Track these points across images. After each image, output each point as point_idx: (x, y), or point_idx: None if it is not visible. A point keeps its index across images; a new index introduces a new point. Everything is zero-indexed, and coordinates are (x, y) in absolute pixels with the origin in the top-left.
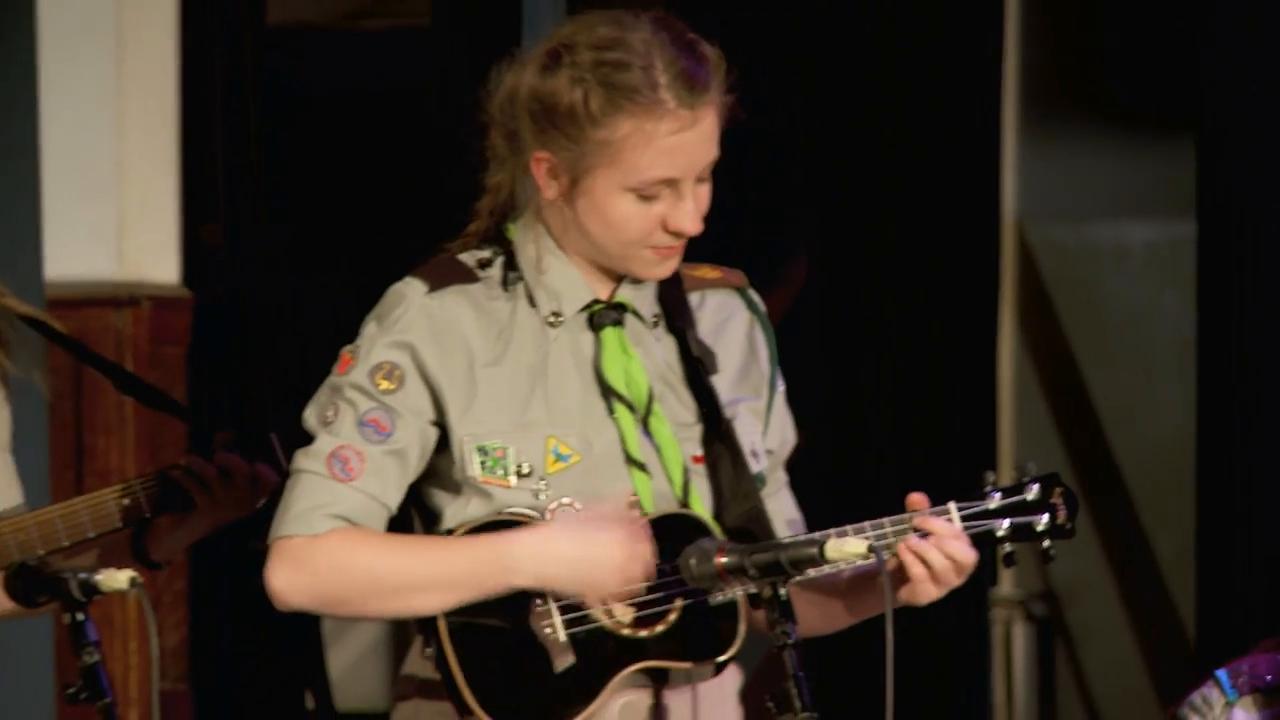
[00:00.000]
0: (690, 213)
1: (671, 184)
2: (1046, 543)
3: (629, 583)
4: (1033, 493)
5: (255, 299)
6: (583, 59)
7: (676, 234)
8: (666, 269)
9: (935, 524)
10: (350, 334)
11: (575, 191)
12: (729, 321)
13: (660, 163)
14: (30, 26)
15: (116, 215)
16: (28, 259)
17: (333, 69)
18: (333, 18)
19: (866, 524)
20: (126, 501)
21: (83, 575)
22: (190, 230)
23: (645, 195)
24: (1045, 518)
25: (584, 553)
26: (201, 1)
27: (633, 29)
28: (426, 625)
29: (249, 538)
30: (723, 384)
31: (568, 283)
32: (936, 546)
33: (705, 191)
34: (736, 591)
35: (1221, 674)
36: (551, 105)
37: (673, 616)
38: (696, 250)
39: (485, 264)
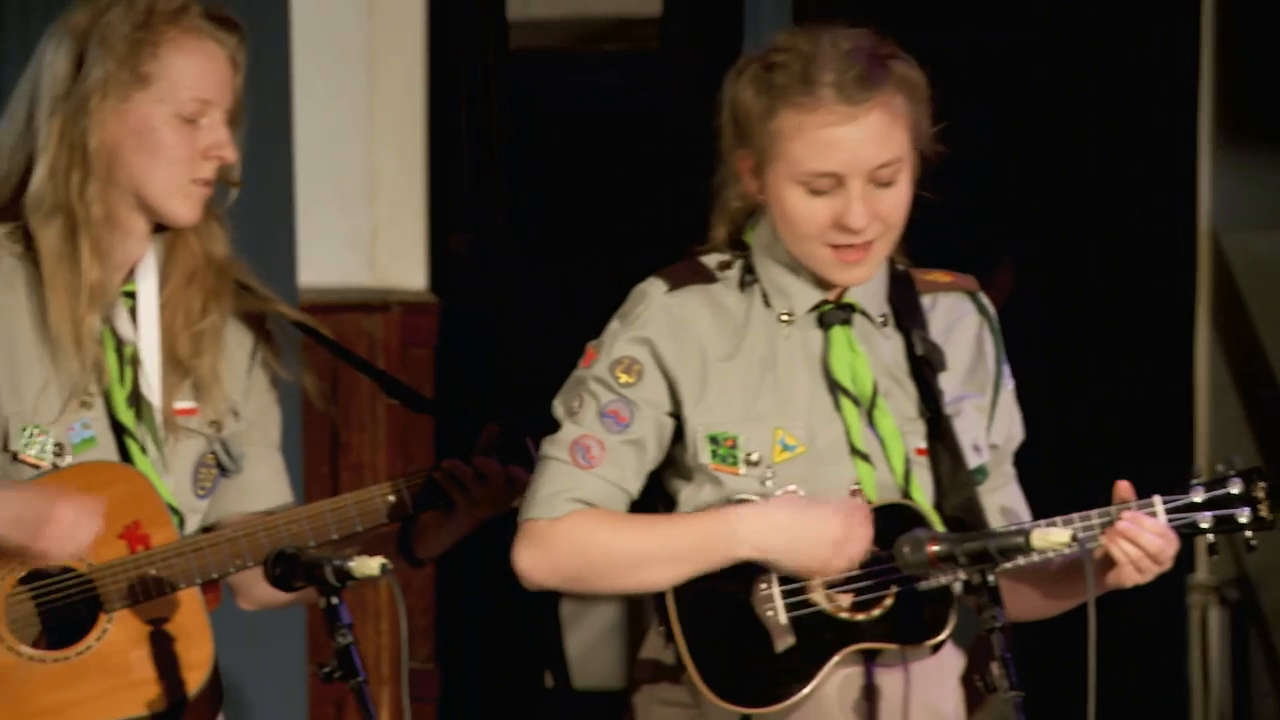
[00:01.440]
0: (857, 210)
1: (838, 180)
2: (1249, 534)
3: (845, 559)
4: (1236, 486)
5: (498, 303)
6: (764, 62)
7: (846, 229)
8: (850, 275)
9: (1139, 518)
10: (581, 336)
11: (763, 188)
12: (959, 323)
13: (819, 155)
14: (286, 48)
15: (369, 225)
16: (283, 267)
17: (570, 88)
18: (570, 41)
19: (1075, 516)
20: (392, 499)
21: (337, 562)
22: (437, 239)
23: (814, 189)
24: (1248, 510)
25: (803, 526)
26: (448, 25)
27: (816, 37)
28: (659, 609)
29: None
30: (949, 381)
31: (799, 284)
32: (1137, 540)
33: (890, 196)
34: (947, 579)
35: None
36: (739, 107)
37: (889, 601)
38: (917, 256)
39: (725, 265)
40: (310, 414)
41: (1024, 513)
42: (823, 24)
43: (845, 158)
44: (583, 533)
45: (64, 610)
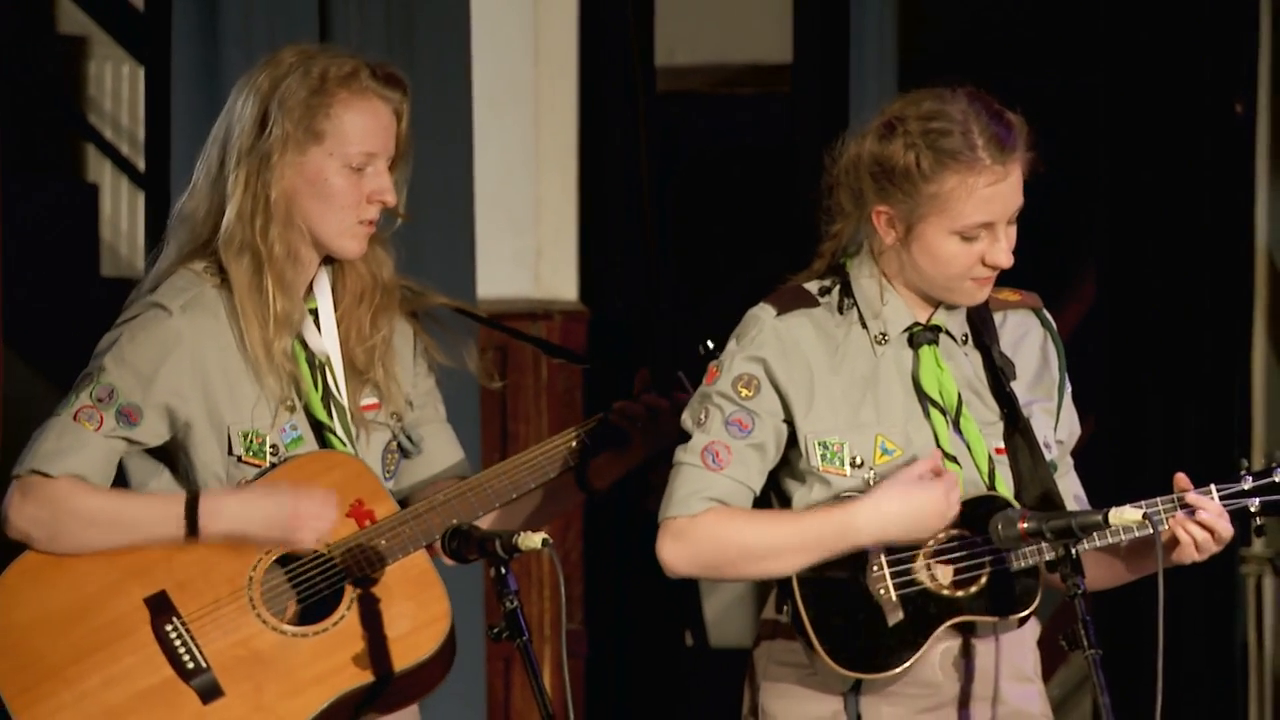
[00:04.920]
0: (1005, 250)
1: (988, 227)
2: None
3: (945, 518)
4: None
5: (641, 315)
6: (913, 128)
7: (993, 267)
8: (982, 296)
9: (1202, 502)
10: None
11: (910, 237)
12: (1026, 337)
13: (980, 210)
14: (467, 94)
15: (535, 245)
16: (464, 280)
17: (709, 127)
18: (710, 85)
19: (1143, 501)
20: (574, 444)
21: (505, 536)
22: (587, 258)
23: (967, 237)
24: None
25: (912, 507)
26: (604, 72)
27: (951, 102)
28: (783, 590)
29: (640, 500)
30: (1020, 388)
31: (894, 309)
32: (1201, 522)
33: (1013, 231)
34: (1034, 558)
35: None
36: (890, 167)
37: (984, 579)
38: (1007, 274)
39: (825, 291)
40: (485, 410)
41: (1084, 498)
42: (946, 86)
43: (999, 209)
44: (719, 527)
45: (316, 588)
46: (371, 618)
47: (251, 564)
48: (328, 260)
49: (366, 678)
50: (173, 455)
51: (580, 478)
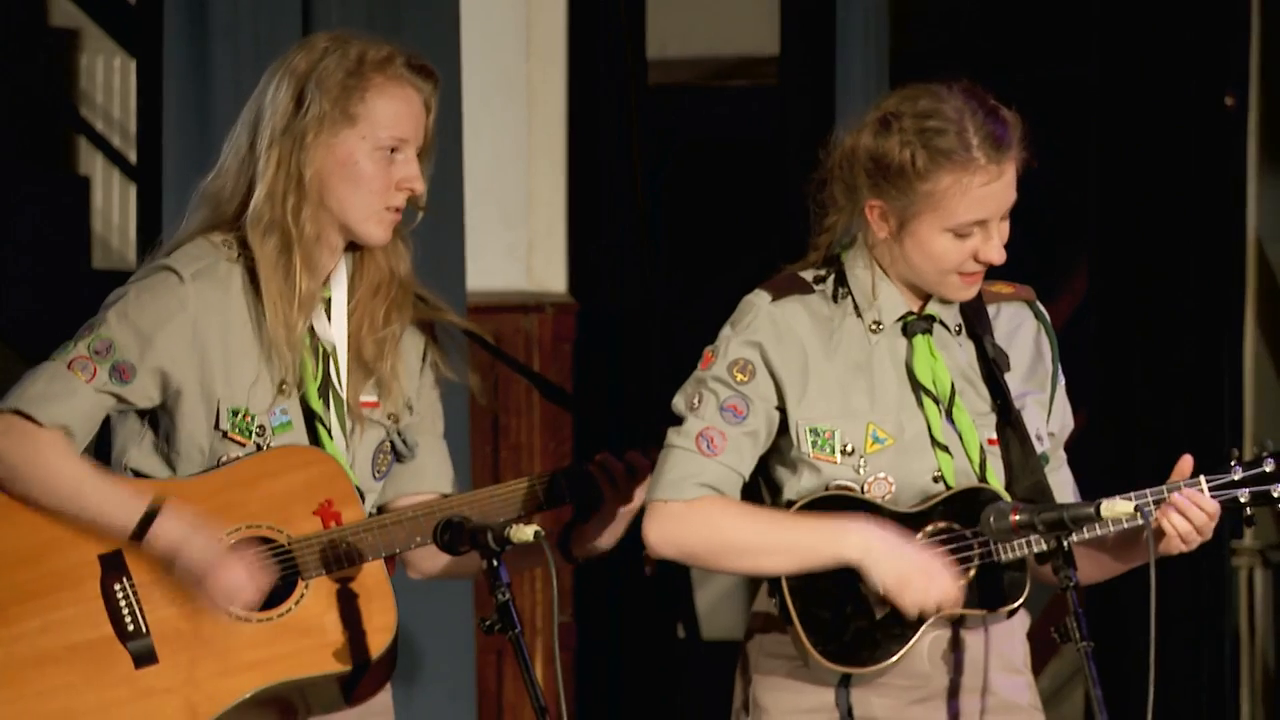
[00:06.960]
0: (997, 246)
1: (981, 224)
2: None
3: (926, 590)
4: (1270, 466)
5: (632, 307)
6: (908, 125)
7: (985, 264)
8: (971, 292)
9: (1186, 493)
10: (699, 335)
11: (903, 233)
12: (1020, 329)
13: (974, 208)
14: (456, 87)
15: (526, 238)
16: (454, 274)
17: (699, 120)
18: (700, 78)
19: (1133, 494)
20: (549, 486)
21: (497, 528)
22: (577, 251)
23: (960, 234)
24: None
25: (905, 547)
26: (595, 65)
27: (947, 99)
28: (772, 582)
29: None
30: (1013, 380)
31: (888, 299)
32: (1187, 514)
33: (1005, 227)
34: (1022, 550)
35: None
36: (885, 164)
37: (972, 573)
38: (999, 267)
39: (820, 279)
40: (475, 403)
41: (1075, 491)
42: (942, 81)
43: (993, 207)
44: (712, 518)
45: None
46: (318, 616)
47: None
48: (349, 248)
49: (300, 672)
50: (159, 421)
51: (563, 545)
